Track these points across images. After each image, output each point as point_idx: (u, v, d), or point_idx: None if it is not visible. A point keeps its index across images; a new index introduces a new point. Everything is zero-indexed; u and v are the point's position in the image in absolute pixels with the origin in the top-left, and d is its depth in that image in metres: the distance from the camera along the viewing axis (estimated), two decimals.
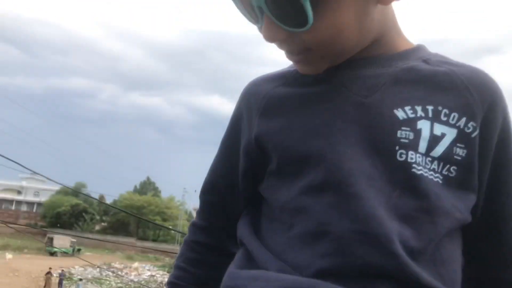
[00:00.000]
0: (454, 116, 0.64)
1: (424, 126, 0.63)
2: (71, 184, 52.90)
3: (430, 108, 0.64)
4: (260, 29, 0.63)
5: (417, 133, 0.62)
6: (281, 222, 0.66)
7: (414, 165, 0.61)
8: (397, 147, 0.61)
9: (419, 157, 0.61)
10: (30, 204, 60.99)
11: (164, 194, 53.01)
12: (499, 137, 0.66)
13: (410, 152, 0.61)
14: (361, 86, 0.65)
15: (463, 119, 0.64)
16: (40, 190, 60.33)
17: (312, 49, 0.63)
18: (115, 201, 50.79)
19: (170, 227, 41.76)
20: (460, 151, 0.63)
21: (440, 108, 0.64)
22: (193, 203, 63.89)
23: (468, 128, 0.64)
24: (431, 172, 0.62)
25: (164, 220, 44.28)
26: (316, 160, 0.63)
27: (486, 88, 0.66)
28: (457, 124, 0.64)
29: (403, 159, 0.61)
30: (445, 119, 0.63)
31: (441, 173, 0.62)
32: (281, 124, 0.67)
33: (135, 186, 54.96)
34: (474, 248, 0.69)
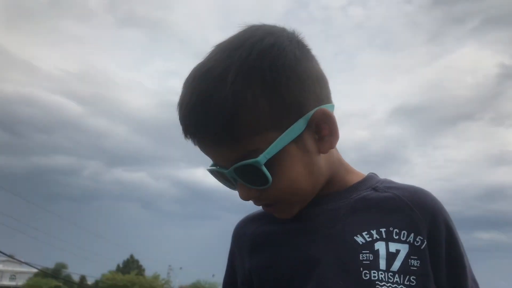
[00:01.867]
0: (404, 234, 0.77)
1: (380, 246, 0.76)
2: (51, 265, 50.56)
3: (383, 230, 0.77)
4: (236, 189, 0.82)
5: (376, 253, 0.75)
6: None
7: (377, 282, 0.72)
8: (361, 269, 0.74)
9: (381, 273, 0.73)
10: None
11: (149, 272, 50.87)
12: (447, 243, 0.78)
13: (372, 271, 0.73)
14: (325, 219, 0.81)
15: (412, 235, 0.76)
16: (17, 273, 57.36)
17: (280, 200, 0.80)
18: (97, 282, 48.45)
19: None
20: (414, 262, 0.75)
21: (391, 228, 0.77)
22: (178, 281, 61.19)
23: (417, 242, 0.76)
24: (395, 285, 0.73)
25: None
26: (302, 284, 0.77)
27: (426, 205, 0.79)
28: (408, 240, 0.76)
29: (367, 278, 0.73)
30: (397, 237, 0.76)
31: (404, 284, 0.73)
32: (268, 258, 0.84)
33: (118, 265, 52.76)
34: None
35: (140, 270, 51.39)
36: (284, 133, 0.75)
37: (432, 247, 0.76)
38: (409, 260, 0.75)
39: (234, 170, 0.76)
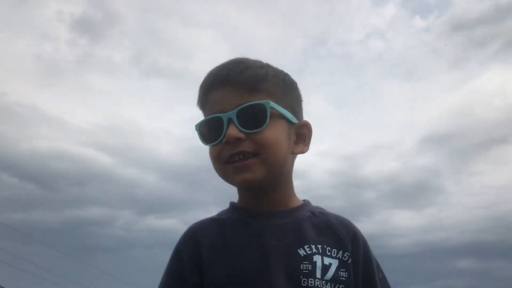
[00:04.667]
0: (334, 251, 0.98)
1: (317, 259, 0.95)
2: None
3: (319, 246, 0.98)
4: (216, 141, 0.98)
5: (314, 264, 0.95)
6: None
7: None
8: (301, 276, 0.93)
9: (317, 281, 0.93)
10: None
11: None
12: (363, 258, 1.01)
13: (310, 279, 0.93)
14: (274, 233, 0.98)
15: (340, 252, 0.98)
16: None
17: (259, 153, 0.96)
18: None
19: None
20: (343, 274, 0.96)
21: (325, 246, 0.98)
22: None
23: (345, 257, 0.98)
24: None
25: None
26: (253, 285, 0.92)
27: (349, 227, 1.04)
28: (337, 256, 0.98)
29: (305, 284, 0.92)
30: (329, 253, 0.97)
31: None
32: (224, 264, 0.96)
33: None
34: None
35: None
36: (286, 110, 1.00)
37: (354, 261, 0.99)
38: (339, 272, 0.96)
39: (239, 110, 0.95)
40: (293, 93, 1.07)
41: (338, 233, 1.01)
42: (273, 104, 0.96)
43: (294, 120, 1.03)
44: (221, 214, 1.08)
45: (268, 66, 1.04)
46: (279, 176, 1.01)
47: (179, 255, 1.02)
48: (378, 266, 1.06)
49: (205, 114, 1.04)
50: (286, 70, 1.08)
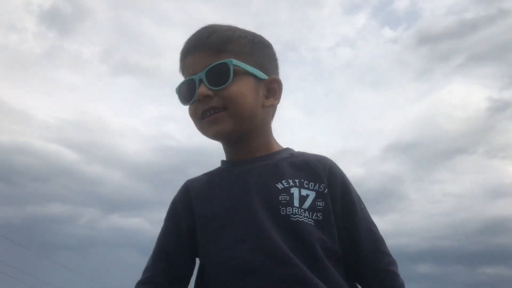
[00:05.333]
0: (311, 184, 1.07)
1: (295, 191, 1.05)
2: None
3: (297, 180, 1.07)
4: (191, 101, 1.10)
5: (291, 196, 1.04)
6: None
7: (291, 215, 1.01)
8: (280, 206, 1.02)
9: (295, 209, 1.02)
10: None
11: None
12: (341, 188, 1.09)
13: (288, 208, 1.02)
14: (255, 173, 1.10)
15: (317, 184, 1.07)
16: None
17: (227, 107, 1.06)
18: None
19: None
20: (320, 203, 1.05)
21: (302, 180, 1.07)
22: None
23: (321, 188, 1.07)
24: (305, 218, 1.02)
25: None
26: (239, 219, 1.03)
27: (326, 163, 1.12)
28: (314, 188, 1.07)
29: (284, 213, 1.02)
30: (306, 186, 1.07)
31: (312, 218, 1.03)
32: (210, 203, 1.09)
33: None
34: (350, 272, 1.07)
35: None
36: (253, 67, 1.09)
37: (331, 191, 1.07)
38: (316, 202, 1.04)
39: (207, 71, 1.05)
40: (263, 51, 1.16)
41: (315, 168, 1.10)
42: (236, 61, 1.06)
43: (263, 76, 1.12)
44: (212, 170, 1.22)
45: (237, 29, 1.14)
46: (251, 126, 1.11)
47: (174, 204, 1.17)
48: (359, 198, 1.12)
49: (184, 78, 1.15)
50: None
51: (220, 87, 1.05)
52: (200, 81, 1.06)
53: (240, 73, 1.07)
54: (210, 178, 1.17)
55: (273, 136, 1.20)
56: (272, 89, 1.15)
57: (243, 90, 1.06)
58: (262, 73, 1.12)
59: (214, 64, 1.06)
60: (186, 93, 1.12)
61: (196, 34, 1.14)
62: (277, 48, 1.21)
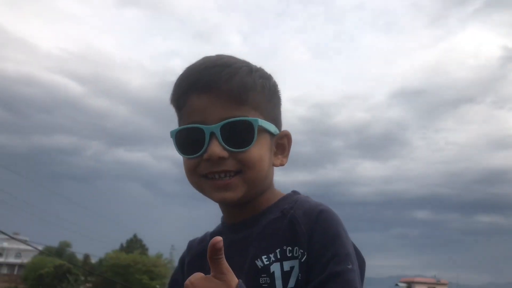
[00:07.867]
0: (295, 250, 0.87)
1: (275, 268, 0.87)
2: (55, 243, 51.32)
3: (278, 251, 0.88)
4: (196, 155, 0.89)
5: (272, 276, 0.86)
6: None
7: None
8: None
9: None
10: (11, 266, 58.72)
11: (152, 252, 51.68)
12: (320, 246, 0.85)
13: None
14: (240, 247, 0.92)
15: (300, 251, 0.86)
16: (22, 251, 58.32)
17: (242, 171, 0.89)
18: (101, 260, 49.17)
19: (158, 286, 40.36)
20: (304, 277, 0.84)
21: (285, 247, 0.88)
22: None
23: (300, 255, 0.86)
24: None
25: (152, 279, 42.85)
26: None
27: (310, 216, 0.89)
28: (297, 254, 0.87)
29: None
30: (290, 254, 0.87)
31: None
32: (190, 273, 0.90)
33: (122, 245, 53.61)
34: None
35: (143, 249, 52.18)
36: (270, 124, 0.93)
37: (309, 250, 0.86)
38: (299, 275, 0.85)
39: (223, 125, 0.86)
40: (276, 100, 0.99)
41: (298, 228, 0.88)
42: (261, 121, 0.89)
43: (277, 132, 0.96)
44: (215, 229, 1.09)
45: (254, 71, 0.93)
46: (260, 190, 0.96)
47: (179, 261, 1.11)
48: (348, 255, 0.85)
49: (182, 118, 0.94)
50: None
51: (240, 150, 0.87)
52: (212, 135, 0.86)
53: (260, 131, 0.89)
54: (204, 248, 1.00)
55: (273, 185, 1.02)
56: (281, 145, 0.99)
57: (262, 154, 0.90)
58: (276, 128, 0.96)
59: (235, 119, 0.87)
60: (189, 143, 0.90)
61: (209, 70, 0.89)
62: None
